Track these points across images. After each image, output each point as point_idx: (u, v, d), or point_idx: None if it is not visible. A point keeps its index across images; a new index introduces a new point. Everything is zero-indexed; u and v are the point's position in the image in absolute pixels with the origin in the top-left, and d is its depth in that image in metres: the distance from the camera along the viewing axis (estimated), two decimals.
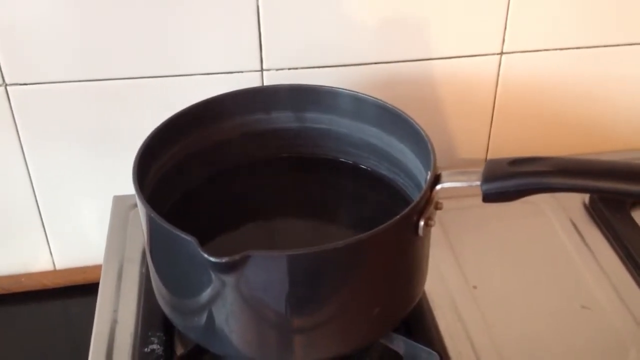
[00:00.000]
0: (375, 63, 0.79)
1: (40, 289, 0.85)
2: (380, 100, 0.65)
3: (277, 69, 0.77)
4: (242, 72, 0.77)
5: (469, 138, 0.87)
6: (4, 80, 0.74)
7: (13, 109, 0.75)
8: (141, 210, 0.55)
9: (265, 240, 0.67)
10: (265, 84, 0.78)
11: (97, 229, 0.84)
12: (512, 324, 0.66)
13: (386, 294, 0.57)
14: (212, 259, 0.48)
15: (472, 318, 0.66)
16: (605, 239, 0.75)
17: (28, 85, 0.74)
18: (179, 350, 0.63)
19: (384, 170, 0.69)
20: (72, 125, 0.78)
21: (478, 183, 0.55)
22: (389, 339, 0.61)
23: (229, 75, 0.77)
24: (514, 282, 0.71)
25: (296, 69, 0.78)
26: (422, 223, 0.54)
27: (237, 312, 0.53)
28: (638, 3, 0.81)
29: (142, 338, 0.63)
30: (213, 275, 0.51)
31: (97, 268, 0.74)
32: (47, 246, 0.85)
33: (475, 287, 0.70)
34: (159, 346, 0.62)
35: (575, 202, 0.80)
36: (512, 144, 0.88)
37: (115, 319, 0.66)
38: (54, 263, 0.87)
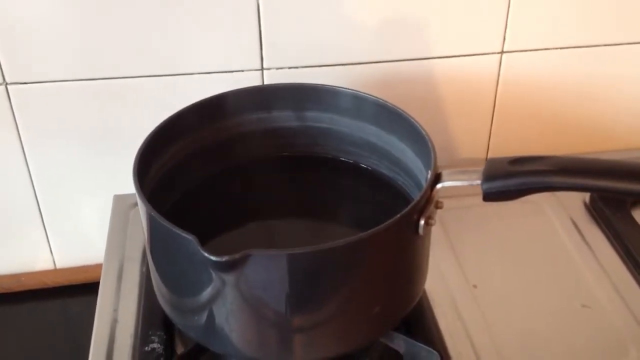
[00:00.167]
0: (376, 62, 0.79)
1: (40, 287, 0.86)
2: (381, 99, 0.65)
3: (277, 68, 0.77)
4: (242, 71, 0.77)
5: (469, 137, 0.87)
6: (4, 79, 0.74)
7: (13, 107, 0.75)
8: (142, 209, 0.55)
9: (266, 239, 0.67)
10: (265, 83, 0.78)
11: (97, 228, 0.84)
12: (513, 323, 0.66)
13: (386, 293, 0.57)
14: (212, 257, 0.48)
15: (472, 317, 0.66)
16: (606, 237, 0.75)
17: (28, 84, 0.74)
18: (179, 349, 0.63)
19: (384, 169, 0.69)
20: (73, 124, 0.78)
21: (478, 182, 0.55)
22: (389, 338, 0.61)
23: (230, 74, 0.77)
24: (514, 281, 0.71)
25: (296, 68, 0.78)
26: (422, 222, 0.54)
27: (237, 311, 0.53)
28: (638, 2, 0.81)
29: (142, 337, 0.63)
30: (213, 274, 0.51)
31: (98, 267, 0.74)
32: (47, 245, 0.85)
33: (475, 286, 0.70)
34: (159, 345, 0.62)
35: (576, 201, 0.80)
36: (512, 143, 0.88)
37: (115, 318, 0.66)
38: (54, 262, 0.87)
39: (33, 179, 0.80)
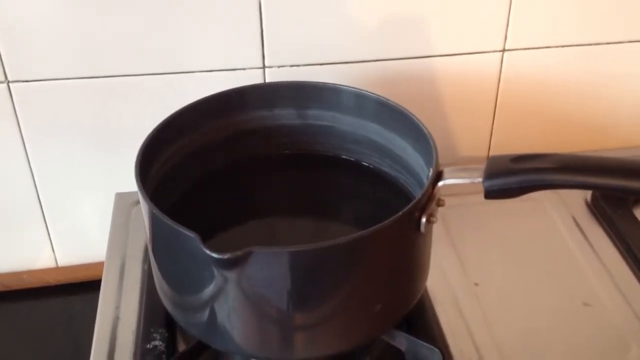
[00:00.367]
0: (378, 60, 0.79)
1: (42, 285, 0.86)
2: (382, 97, 0.65)
3: (279, 66, 0.77)
4: (244, 69, 0.77)
5: (471, 135, 0.87)
6: (6, 77, 0.74)
7: (15, 105, 0.75)
8: (143, 207, 0.55)
9: (267, 237, 0.67)
10: (267, 81, 0.78)
11: (99, 226, 0.84)
12: (514, 320, 0.66)
13: (388, 290, 0.57)
14: (214, 255, 0.48)
15: (473, 315, 0.66)
16: (607, 235, 0.75)
17: (30, 82, 0.74)
18: (181, 347, 0.63)
19: (385, 167, 0.69)
20: (74, 122, 0.78)
21: (480, 180, 0.55)
22: (390, 335, 0.61)
23: (231, 72, 0.77)
24: (516, 279, 0.71)
25: (298, 66, 0.78)
26: (424, 220, 0.54)
27: (239, 308, 0.53)
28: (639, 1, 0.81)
29: (144, 334, 0.63)
30: (215, 272, 0.51)
31: (99, 265, 0.74)
32: (49, 243, 0.85)
33: (476, 284, 0.70)
34: (161, 342, 0.62)
35: (577, 199, 0.80)
36: (514, 141, 0.88)
37: (117, 316, 0.66)
38: (56, 260, 0.87)
39: (35, 177, 0.80)
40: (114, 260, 0.73)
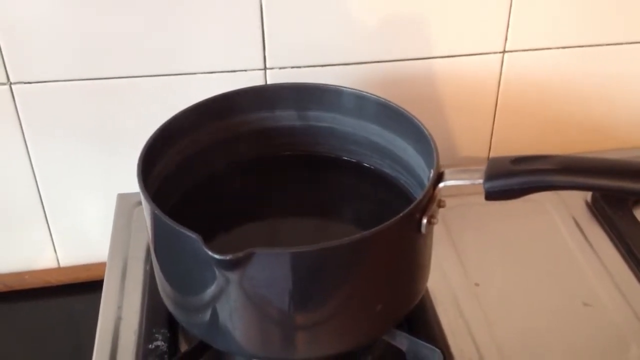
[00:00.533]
0: (379, 62, 0.79)
1: (43, 286, 0.86)
2: (383, 98, 0.65)
3: (280, 68, 0.78)
4: (245, 70, 0.77)
5: (471, 136, 0.87)
6: (8, 78, 0.74)
7: (18, 107, 0.76)
8: (146, 208, 0.55)
9: (269, 238, 0.67)
10: (268, 82, 0.78)
11: (100, 226, 0.84)
12: (514, 321, 0.66)
13: (389, 291, 0.57)
14: (216, 256, 0.48)
15: (474, 315, 0.66)
16: (607, 236, 0.75)
17: (32, 84, 0.75)
18: (183, 347, 0.63)
19: (386, 168, 0.69)
20: (76, 123, 0.78)
21: (481, 181, 0.55)
22: (391, 335, 0.62)
23: (232, 73, 0.77)
24: (516, 279, 0.71)
25: (299, 67, 0.78)
26: (425, 221, 0.55)
27: (241, 308, 0.54)
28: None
29: (146, 335, 0.63)
30: (217, 272, 0.51)
31: (101, 265, 0.75)
32: (51, 243, 0.86)
33: (477, 285, 0.70)
34: (163, 343, 0.62)
35: (578, 199, 0.80)
36: (514, 142, 0.88)
37: (119, 316, 0.67)
38: (57, 260, 0.87)
39: (37, 178, 0.81)
40: (116, 260, 0.73)
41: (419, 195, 0.55)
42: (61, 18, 0.72)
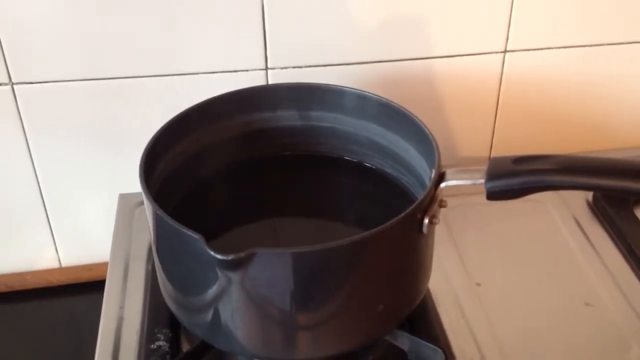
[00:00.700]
0: (380, 62, 0.79)
1: (45, 286, 0.86)
2: (385, 98, 0.66)
3: (281, 68, 0.78)
4: (246, 70, 0.77)
5: (472, 136, 0.87)
6: (10, 79, 0.74)
7: (19, 107, 0.76)
8: (148, 208, 0.55)
9: (270, 238, 0.67)
10: (269, 82, 0.78)
11: (102, 226, 0.84)
12: (516, 321, 0.66)
13: (390, 291, 0.57)
14: (218, 256, 0.48)
15: (475, 315, 0.66)
16: (609, 236, 0.75)
17: (34, 84, 0.75)
18: (185, 347, 0.64)
19: (388, 168, 0.69)
20: (78, 123, 0.78)
21: (482, 181, 0.55)
22: (393, 335, 0.62)
23: (234, 74, 0.77)
24: (518, 279, 0.71)
25: (300, 67, 0.78)
26: (426, 221, 0.55)
27: (243, 308, 0.54)
28: None
29: (148, 335, 0.63)
30: (219, 273, 0.51)
31: (103, 265, 0.75)
32: (52, 243, 0.86)
33: (478, 285, 0.70)
34: (165, 343, 0.62)
35: (579, 199, 0.80)
36: (515, 142, 0.88)
37: (121, 316, 0.67)
38: (59, 260, 0.87)
39: (38, 178, 0.81)
40: (118, 261, 0.73)
41: (420, 195, 0.55)
42: (63, 18, 0.72)
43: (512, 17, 0.79)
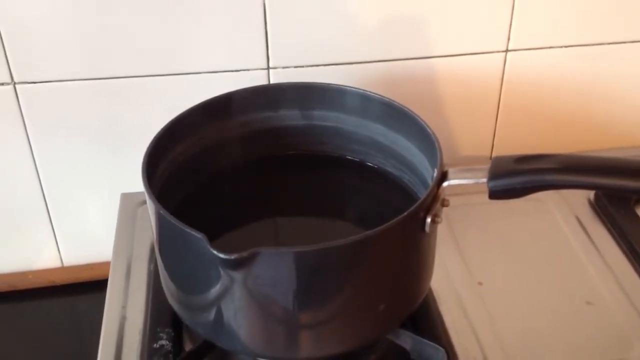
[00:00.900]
0: (382, 61, 0.79)
1: (47, 285, 0.86)
2: (387, 97, 0.66)
3: (283, 67, 0.78)
4: (248, 70, 0.77)
5: (473, 135, 0.87)
6: (12, 78, 0.74)
7: (21, 107, 0.76)
8: (150, 207, 0.56)
9: (272, 237, 0.67)
10: (271, 81, 0.78)
11: (104, 225, 0.84)
12: (518, 320, 0.66)
13: (393, 290, 0.57)
14: (221, 255, 0.48)
15: (477, 314, 0.66)
16: (610, 235, 0.75)
17: (36, 84, 0.75)
18: (188, 346, 0.64)
19: (390, 167, 0.69)
20: (79, 123, 0.78)
21: (484, 180, 0.55)
22: (395, 334, 0.62)
23: (236, 73, 0.77)
24: (519, 278, 0.71)
25: (302, 67, 0.78)
26: (429, 220, 0.55)
27: (245, 308, 0.54)
28: None
29: (151, 334, 0.63)
30: (222, 272, 0.51)
31: (105, 265, 0.75)
32: (54, 243, 0.86)
33: (480, 284, 0.70)
34: (167, 342, 0.62)
35: (580, 198, 0.80)
36: (516, 142, 0.88)
37: (124, 315, 0.67)
38: (61, 259, 0.87)
39: (40, 177, 0.81)
40: (120, 260, 0.73)
41: (422, 194, 0.55)
42: (64, 18, 0.72)
43: (513, 16, 0.79)
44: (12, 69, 0.74)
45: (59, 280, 0.86)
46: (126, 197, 0.81)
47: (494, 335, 0.64)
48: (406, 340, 0.61)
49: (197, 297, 0.57)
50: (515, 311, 0.67)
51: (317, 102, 0.69)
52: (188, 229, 0.51)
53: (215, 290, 0.54)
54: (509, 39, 0.80)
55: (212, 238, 0.50)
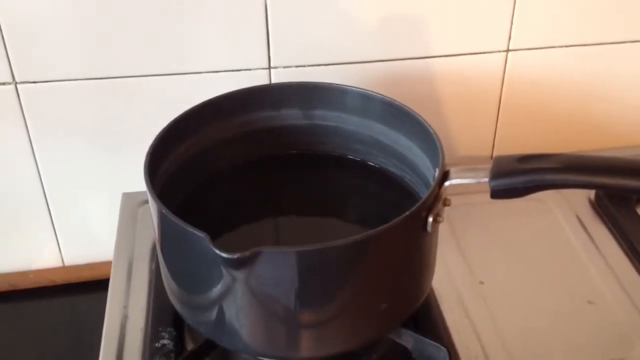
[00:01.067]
0: (383, 61, 0.79)
1: (48, 285, 0.86)
2: (388, 97, 0.66)
3: (284, 67, 0.78)
4: (249, 69, 0.77)
5: (474, 135, 0.87)
6: (13, 78, 0.74)
7: (23, 106, 0.76)
8: (152, 207, 0.56)
9: (274, 236, 0.67)
10: (272, 81, 0.78)
11: (105, 225, 0.84)
12: (519, 319, 0.66)
13: (395, 289, 0.57)
14: (223, 254, 0.48)
15: (479, 313, 0.66)
16: (611, 234, 0.75)
17: (37, 83, 0.75)
18: (189, 345, 0.64)
19: (391, 167, 0.69)
20: (81, 122, 0.78)
21: (486, 179, 0.55)
22: (397, 333, 0.62)
23: (237, 73, 0.77)
24: (521, 277, 0.71)
25: (303, 66, 0.78)
26: (430, 219, 0.55)
27: (247, 307, 0.54)
28: None
29: (152, 333, 0.63)
30: (224, 271, 0.51)
31: (106, 264, 0.75)
32: (55, 242, 0.86)
33: (482, 283, 0.70)
34: (169, 341, 0.62)
35: (581, 198, 0.80)
36: (517, 141, 0.88)
37: (125, 315, 0.67)
38: (62, 259, 0.87)
39: (42, 176, 0.81)
40: (122, 260, 0.73)
41: (424, 194, 0.55)
42: (66, 18, 0.72)
43: (514, 16, 0.79)
44: (13, 69, 0.74)
45: (60, 279, 0.86)
46: (127, 197, 0.81)
47: (495, 334, 0.64)
48: (408, 339, 0.62)
49: (198, 297, 0.57)
50: (516, 310, 0.67)
51: (319, 101, 0.69)
52: (190, 229, 0.51)
53: (217, 290, 0.54)
54: (509, 38, 0.80)
55: (213, 237, 0.50)
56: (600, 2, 0.80)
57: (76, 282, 0.86)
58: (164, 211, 0.53)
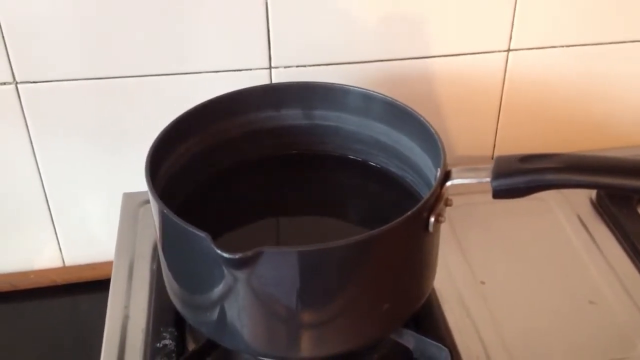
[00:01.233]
0: (384, 60, 0.79)
1: (49, 285, 0.86)
2: (389, 97, 0.66)
3: (285, 67, 0.78)
4: (250, 69, 0.77)
5: (475, 135, 0.87)
6: (14, 78, 0.74)
7: (23, 106, 0.76)
8: (154, 207, 0.56)
9: (275, 236, 0.67)
10: (273, 81, 0.78)
11: (105, 225, 0.84)
12: (520, 319, 0.66)
13: (396, 290, 0.57)
14: (225, 255, 0.48)
15: (480, 313, 0.66)
16: (612, 234, 0.75)
17: (38, 83, 0.75)
18: (191, 346, 0.64)
19: (393, 167, 0.69)
20: (81, 122, 0.78)
21: (488, 179, 0.55)
22: (398, 334, 0.62)
23: (238, 72, 0.77)
24: (522, 277, 0.71)
25: (304, 66, 0.78)
26: (432, 219, 0.55)
27: (249, 307, 0.54)
28: None
29: (154, 333, 0.63)
30: (225, 271, 0.51)
31: (106, 264, 0.75)
32: (56, 242, 0.86)
33: (483, 283, 0.70)
34: (170, 341, 0.62)
35: (582, 198, 0.80)
36: (518, 141, 0.88)
37: (127, 315, 0.67)
38: (62, 259, 0.87)
39: (42, 176, 0.81)
40: (123, 260, 0.73)
41: (425, 194, 0.55)
42: (66, 18, 0.72)
43: (515, 16, 0.79)
44: (14, 69, 0.74)
45: (61, 279, 0.86)
46: (128, 197, 0.81)
47: (496, 334, 0.64)
48: (409, 339, 0.61)
49: (200, 297, 0.57)
50: (517, 310, 0.67)
51: (319, 101, 0.69)
52: (192, 229, 0.51)
53: (218, 290, 0.54)
54: (510, 38, 0.80)
55: (214, 237, 0.50)
56: (600, 2, 0.80)
57: (77, 282, 0.86)
58: (165, 211, 0.53)
